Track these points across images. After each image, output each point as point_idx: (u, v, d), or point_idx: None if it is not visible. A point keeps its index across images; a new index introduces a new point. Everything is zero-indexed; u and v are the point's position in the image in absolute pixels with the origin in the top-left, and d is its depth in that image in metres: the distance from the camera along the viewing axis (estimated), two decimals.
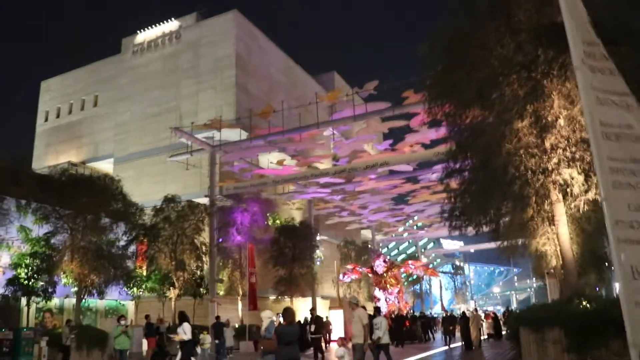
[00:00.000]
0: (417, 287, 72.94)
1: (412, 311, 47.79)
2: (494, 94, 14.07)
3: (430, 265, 63.48)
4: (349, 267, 45.27)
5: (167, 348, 27.73)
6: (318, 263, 49.84)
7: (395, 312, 38.10)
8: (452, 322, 35.60)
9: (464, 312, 33.88)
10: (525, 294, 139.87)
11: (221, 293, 40.33)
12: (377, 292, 41.32)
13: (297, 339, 11.14)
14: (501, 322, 39.16)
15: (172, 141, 44.42)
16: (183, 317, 18.04)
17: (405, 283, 71.31)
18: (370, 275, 43.67)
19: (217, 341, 26.56)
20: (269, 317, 13.99)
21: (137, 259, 33.97)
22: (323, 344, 31.95)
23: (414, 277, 63.61)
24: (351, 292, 51.42)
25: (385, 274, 40.77)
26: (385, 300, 40.64)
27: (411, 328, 37.57)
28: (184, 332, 17.59)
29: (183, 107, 50.62)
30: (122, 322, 20.52)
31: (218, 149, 40.69)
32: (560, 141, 13.49)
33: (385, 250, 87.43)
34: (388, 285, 40.69)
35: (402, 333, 35.38)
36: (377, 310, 18.36)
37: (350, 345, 16.52)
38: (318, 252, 49.63)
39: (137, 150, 52.87)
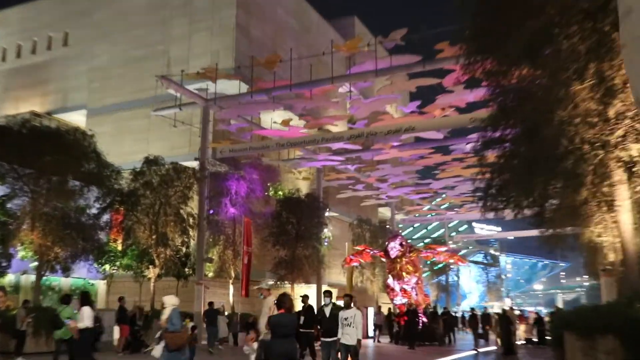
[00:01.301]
0: (443, 278, 71.65)
1: (433, 306, 47.80)
2: (548, 49, 13.76)
3: (460, 253, 62.76)
4: (358, 248, 45.30)
5: (143, 337, 28.03)
6: (326, 244, 50.06)
7: (411, 306, 38.44)
8: (484, 322, 37.04)
9: (504, 311, 34.35)
10: (573, 293, 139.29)
11: (210, 274, 40.53)
12: (390, 281, 41.43)
13: (291, 332, 11.23)
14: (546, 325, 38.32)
15: (158, 92, 44.20)
16: (84, 300, 17.82)
17: (428, 272, 72.18)
18: (383, 259, 43.81)
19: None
20: (173, 304, 13.78)
21: (110, 230, 34.01)
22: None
23: (439, 265, 63.13)
24: (364, 279, 52.32)
25: (400, 259, 40.88)
26: (401, 291, 40.69)
27: (430, 327, 37.76)
28: (83, 318, 17.22)
29: (172, 52, 50.69)
30: (71, 306, 19.29)
31: (212, 103, 40.42)
32: (628, 109, 13.04)
33: (406, 232, 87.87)
34: (404, 273, 40.70)
35: (414, 332, 35.62)
36: (350, 298, 16.55)
37: (254, 344, 16.21)
38: (326, 232, 49.83)
39: (115, 102, 53.14)
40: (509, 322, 31.33)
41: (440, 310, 45.99)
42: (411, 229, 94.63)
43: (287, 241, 41.79)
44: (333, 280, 54.50)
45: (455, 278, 79.54)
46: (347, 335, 15.85)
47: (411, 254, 41.41)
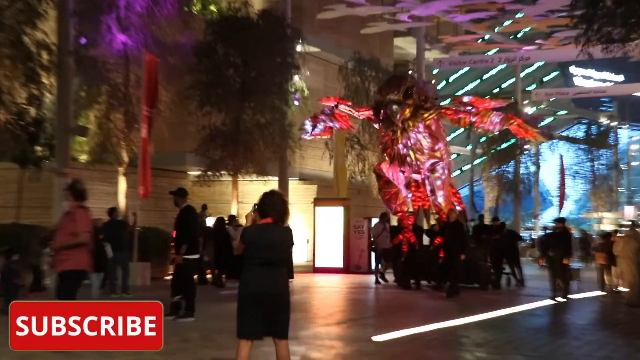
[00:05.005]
0: (509, 168, 59.12)
1: (478, 216, 37.85)
2: None
3: (541, 124, 49.30)
4: (328, 103, 32.89)
5: None
6: (297, 103, 40.93)
7: (451, 215, 28.04)
8: (563, 246, 26.43)
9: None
10: None
11: (83, 158, 35.40)
12: (384, 167, 29.57)
13: (282, 256, 9.76)
14: None
15: None
16: None
17: (483, 158, 61.03)
18: (376, 126, 32.72)
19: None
20: None
21: None
22: None
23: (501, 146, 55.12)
24: (366, 169, 43.13)
25: (404, 124, 27.80)
26: (409, 187, 29.43)
27: (473, 254, 27.58)
28: None
29: None
30: None
31: None
32: None
33: (443, 85, 78.23)
34: (411, 152, 28.30)
35: (454, 265, 26.18)
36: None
37: None
38: (298, 81, 40.72)
39: None
40: None
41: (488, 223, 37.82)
42: (454, 77, 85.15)
43: (227, 98, 34.84)
44: (310, 169, 47.15)
45: (533, 168, 63.17)
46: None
47: (427, 114, 28.36)
